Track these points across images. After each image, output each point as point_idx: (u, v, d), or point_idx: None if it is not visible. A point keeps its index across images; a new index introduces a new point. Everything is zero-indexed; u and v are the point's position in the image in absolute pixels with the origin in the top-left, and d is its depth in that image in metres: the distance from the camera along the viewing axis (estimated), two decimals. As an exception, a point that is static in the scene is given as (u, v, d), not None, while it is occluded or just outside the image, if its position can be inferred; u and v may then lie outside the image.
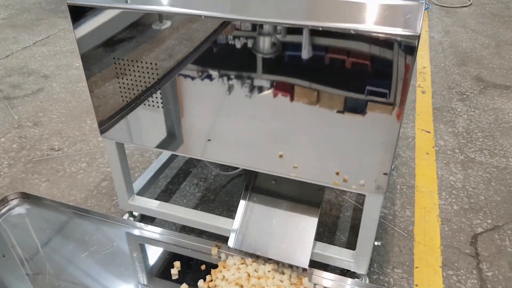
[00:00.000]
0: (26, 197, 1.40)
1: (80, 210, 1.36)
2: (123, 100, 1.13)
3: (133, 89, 1.10)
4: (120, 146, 1.26)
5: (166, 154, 1.60)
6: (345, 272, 1.22)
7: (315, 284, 1.15)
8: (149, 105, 1.11)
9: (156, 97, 1.09)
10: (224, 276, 1.16)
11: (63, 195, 1.55)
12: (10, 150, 1.81)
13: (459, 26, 3.21)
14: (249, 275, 1.16)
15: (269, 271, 1.17)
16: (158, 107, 1.10)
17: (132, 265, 1.23)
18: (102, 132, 1.22)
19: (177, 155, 1.72)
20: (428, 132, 1.91)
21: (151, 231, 1.32)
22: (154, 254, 1.28)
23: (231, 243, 1.24)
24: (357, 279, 1.17)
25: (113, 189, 1.57)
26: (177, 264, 1.23)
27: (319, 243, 1.20)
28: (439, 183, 1.61)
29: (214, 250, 1.26)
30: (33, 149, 1.82)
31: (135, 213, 1.45)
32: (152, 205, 1.35)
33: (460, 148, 1.80)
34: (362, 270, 1.17)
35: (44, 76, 2.47)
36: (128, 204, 1.37)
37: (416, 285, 1.20)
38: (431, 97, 2.20)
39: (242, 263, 1.20)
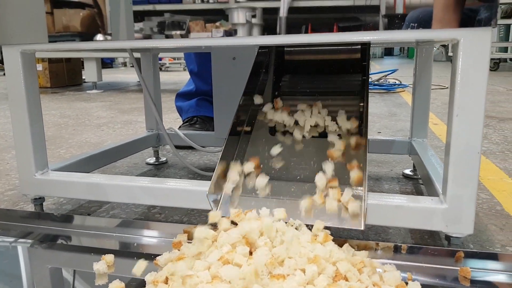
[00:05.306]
0: None
1: None
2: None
3: None
4: (29, 60, 0.77)
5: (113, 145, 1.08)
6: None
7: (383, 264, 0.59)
8: None
9: None
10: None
11: None
12: None
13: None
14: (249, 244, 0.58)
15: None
16: None
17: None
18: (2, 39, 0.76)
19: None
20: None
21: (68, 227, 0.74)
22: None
23: (215, 206, 0.68)
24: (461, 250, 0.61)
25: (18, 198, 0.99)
26: (108, 257, 0.64)
27: (374, 194, 0.66)
28: (506, 172, 1.13)
29: (181, 238, 0.68)
30: None
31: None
32: (77, 178, 0.79)
33: (503, 152, 1.37)
34: (464, 228, 0.62)
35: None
36: (36, 181, 0.80)
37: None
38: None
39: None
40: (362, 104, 0.87)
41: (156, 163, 1.29)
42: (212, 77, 1.16)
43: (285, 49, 1.03)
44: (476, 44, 0.55)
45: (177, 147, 1.39)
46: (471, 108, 0.58)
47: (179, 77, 5.32)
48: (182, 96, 1.68)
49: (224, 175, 0.74)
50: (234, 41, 0.65)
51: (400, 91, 3.33)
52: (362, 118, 0.82)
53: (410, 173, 1.11)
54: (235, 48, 1.08)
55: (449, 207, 0.61)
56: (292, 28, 0.62)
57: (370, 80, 3.77)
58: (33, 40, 0.75)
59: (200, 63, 1.60)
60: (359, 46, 0.97)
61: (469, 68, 0.55)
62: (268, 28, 0.63)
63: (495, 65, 5.42)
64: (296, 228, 0.63)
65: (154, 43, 0.69)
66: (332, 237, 0.60)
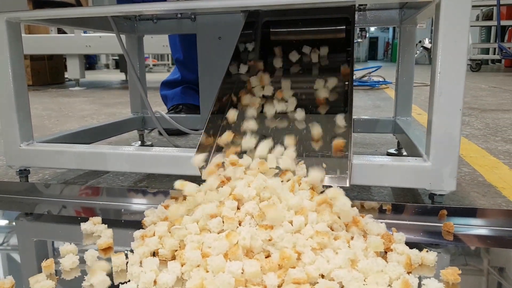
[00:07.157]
0: None
1: None
2: None
3: None
4: (14, 29, 0.77)
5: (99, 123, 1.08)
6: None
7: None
8: None
9: None
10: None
11: None
12: None
13: (426, 88, 3.12)
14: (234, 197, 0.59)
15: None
16: None
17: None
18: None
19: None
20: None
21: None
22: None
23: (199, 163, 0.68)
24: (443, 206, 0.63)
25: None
26: (95, 219, 0.63)
27: (359, 155, 0.68)
28: (488, 151, 1.16)
29: (169, 202, 0.68)
30: None
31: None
32: (64, 148, 0.79)
33: (485, 135, 1.41)
34: (447, 185, 0.63)
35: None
36: (22, 152, 0.79)
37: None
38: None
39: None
40: (347, 82, 0.89)
41: (142, 146, 1.28)
42: (198, 58, 1.16)
43: (271, 29, 1.04)
44: (457, 1, 0.57)
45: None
46: (453, 67, 0.59)
47: (162, 77, 5.28)
48: (167, 84, 1.67)
49: (209, 142, 0.74)
50: (216, 3, 0.66)
51: (384, 88, 3.38)
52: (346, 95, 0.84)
53: (395, 152, 1.13)
54: (221, 25, 1.08)
55: (433, 164, 0.62)
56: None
57: (354, 77, 3.81)
58: (18, 7, 0.74)
59: (186, 51, 1.60)
60: (344, 27, 0.99)
61: (450, 24, 0.57)
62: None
63: (477, 66, 5.55)
64: (283, 187, 0.63)
65: (137, 7, 0.69)
66: (318, 194, 0.61)
